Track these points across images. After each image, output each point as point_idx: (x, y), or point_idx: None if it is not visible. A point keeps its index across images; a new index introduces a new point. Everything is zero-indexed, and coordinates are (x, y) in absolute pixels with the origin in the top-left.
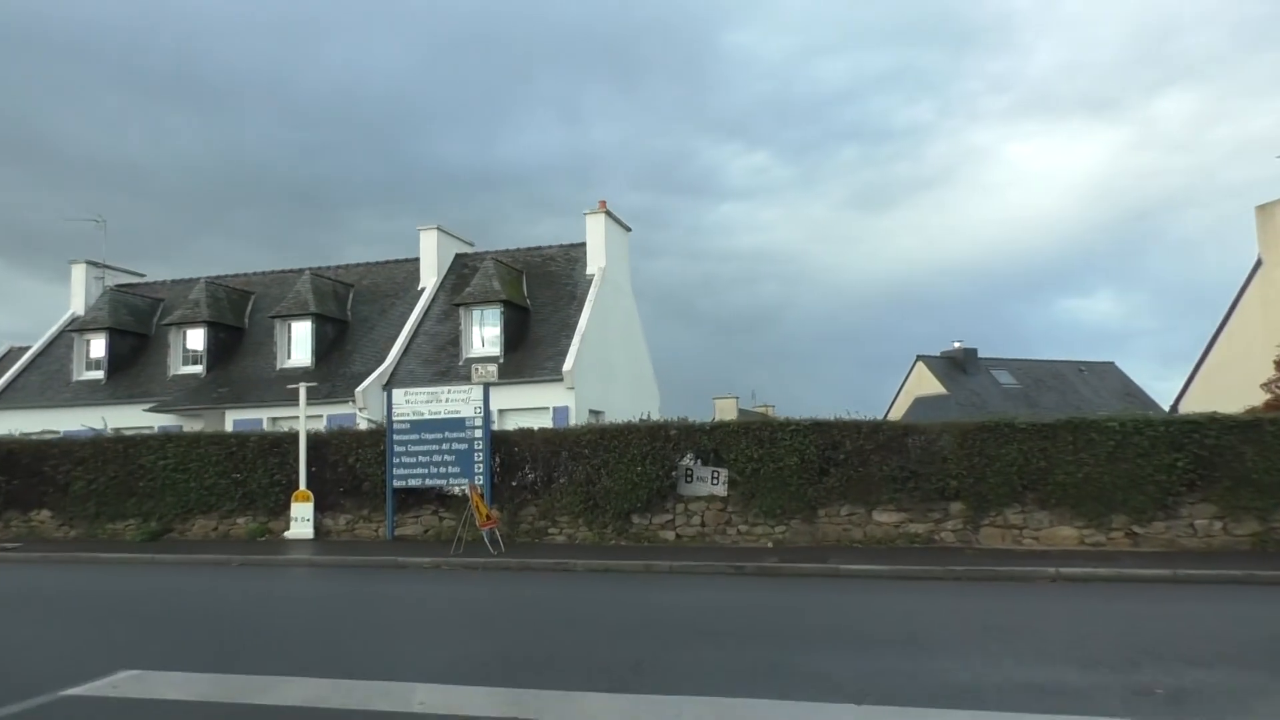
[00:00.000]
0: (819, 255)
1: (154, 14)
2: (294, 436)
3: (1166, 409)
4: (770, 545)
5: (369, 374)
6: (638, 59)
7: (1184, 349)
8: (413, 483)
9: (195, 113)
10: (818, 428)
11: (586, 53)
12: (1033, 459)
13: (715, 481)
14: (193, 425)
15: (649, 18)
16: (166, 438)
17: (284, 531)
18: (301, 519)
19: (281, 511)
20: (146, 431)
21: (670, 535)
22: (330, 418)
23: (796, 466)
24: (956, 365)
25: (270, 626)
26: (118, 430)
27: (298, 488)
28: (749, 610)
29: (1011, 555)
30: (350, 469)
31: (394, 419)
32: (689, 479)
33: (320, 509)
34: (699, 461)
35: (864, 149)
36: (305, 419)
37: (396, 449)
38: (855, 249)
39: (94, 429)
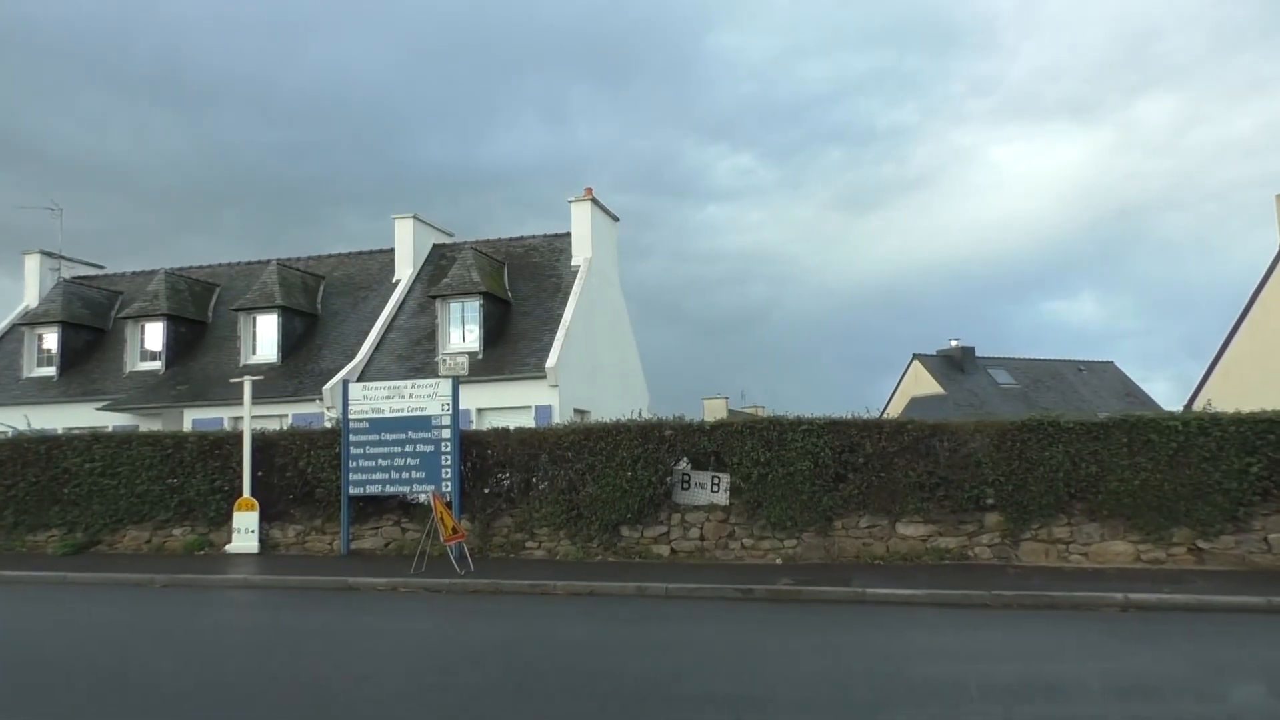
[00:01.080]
0: (806, 256)
1: (136, 13)
2: (237, 437)
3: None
4: (779, 562)
5: (339, 370)
6: (623, 60)
7: (1166, 351)
8: (371, 489)
9: (179, 112)
10: (833, 427)
11: (571, 54)
12: (1082, 463)
13: (716, 488)
14: (149, 425)
15: (634, 19)
16: (94, 438)
17: (225, 544)
18: (245, 530)
19: (223, 522)
20: (79, 431)
21: (664, 550)
22: (296, 417)
23: (809, 472)
24: (954, 364)
25: (132, 688)
26: (69, 430)
27: (241, 495)
28: (776, 659)
29: (1061, 575)
30: (301, 473)
31: (350, 417)
32: (686, 486)
33: (267, 519)
34: (697, 466)
35: (849, 151)
36: (250, 418)
37: (353, 451)
38: (841, 250)
39: (14, 428)
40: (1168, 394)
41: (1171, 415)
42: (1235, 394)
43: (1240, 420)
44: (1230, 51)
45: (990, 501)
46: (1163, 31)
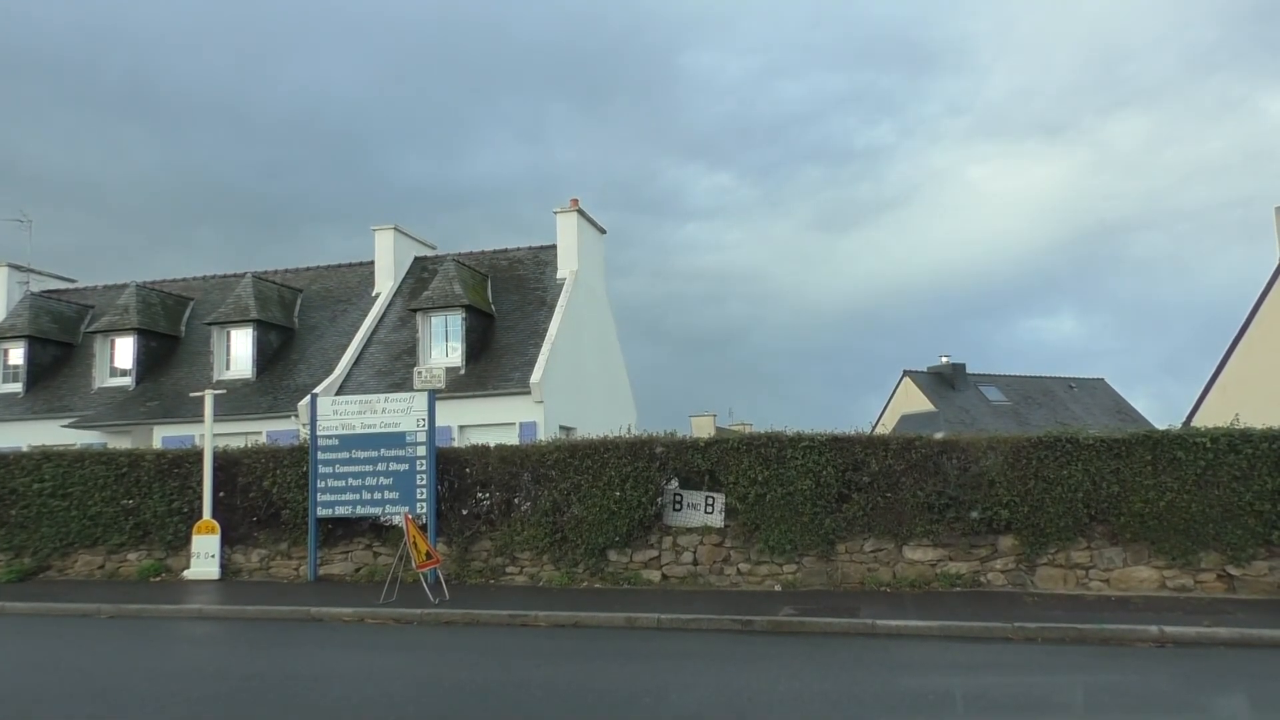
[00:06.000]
0: (785, 275)
1: (108, 32)
2: (197, 455)
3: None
4: (778, 588)
5: (316, 386)
6: (599, 80)
7: (1145, 369)
8: (341, 511)
9: (152, 130)
10: (836, 444)
11: (548, 74)
12: (1103, 483)
13: (710, 509)
14: (118, 442)
15: (609, 39)
16: (44, 456)
17: (184, 570)
18: (205, 555)
19: (182, 545)
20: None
21: (655, 575)
22: (271, 434)
23: (810, 491)
24: (944, 381)
25: None
26: (35, 449)
27: (201, 517)
28: (789, 710)
29: (1083, 604)
30: (266, 494)
31: (319, 433)
32: (678, 506)
33: (229, 543)
34: (689, 485)
35: (826, 170)
36: (211, 434)
37: (322, 470)
38: (820, 269)
39: None
40: (1148, 412)
41: (1199, 431)
42: (1235, 412)
43: (1274, 436)
44: (1200, 73)
45: (1004, 523)
46: (1133, 53)
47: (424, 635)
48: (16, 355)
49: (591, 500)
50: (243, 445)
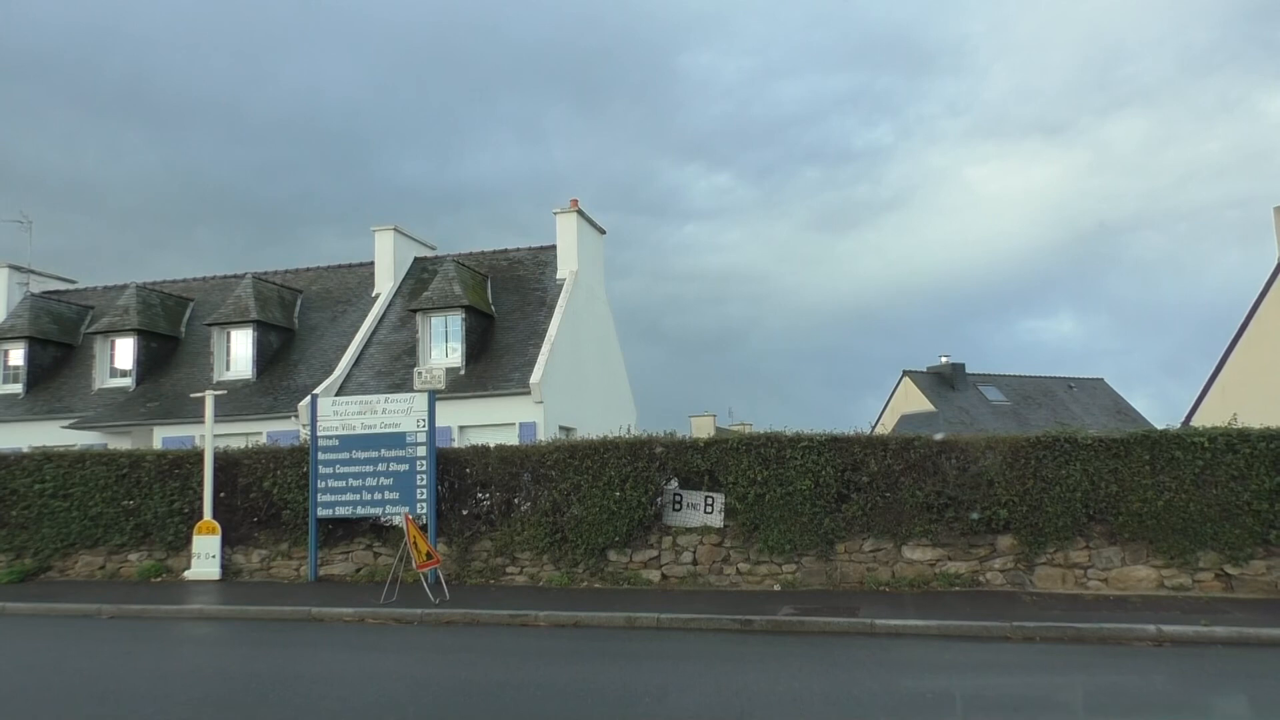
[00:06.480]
0: (784, 275)
1: (106, 33)
2: (198, 455)
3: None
4: (777, 588)
5: (316, 386)
6: (597, 81)
7: (1144, 370)
8: (341, 511)
9: (150, 131)
10: (835, 444)
11: (546, 74)
12: (1101, 483)
13: (710, 509)
14: (119, 443)
15: (606, 40)
16: (45, 457)
17: (184, 570)
18: (205, 555)
19: (183, 546)
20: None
21: (655, 575)
22: (271, 434)
23: (809, 491)
24: (944, 381)
25: None
26: (35, 450)
27: (202, 517)
28: (788, 709)
29: (1081, 603)
30: (266, 494)
31: (319, 434)
32: (678, 506)
33: (230, 543)
34: (689, 486)
35: (825, 171)
36: (211, 435)
37: (322, 470)
38: (819, 270)
39: None
40: (1148, 412)
41: (1197, 431)
42: (1234, 412)
43: (1271, 436)
44: (1199, 73)
45: (1003, 523)
46: (1132, 53)
47: (424, 635)
48: (17, 356)
49: (591, 500)
50: (243, 446)
